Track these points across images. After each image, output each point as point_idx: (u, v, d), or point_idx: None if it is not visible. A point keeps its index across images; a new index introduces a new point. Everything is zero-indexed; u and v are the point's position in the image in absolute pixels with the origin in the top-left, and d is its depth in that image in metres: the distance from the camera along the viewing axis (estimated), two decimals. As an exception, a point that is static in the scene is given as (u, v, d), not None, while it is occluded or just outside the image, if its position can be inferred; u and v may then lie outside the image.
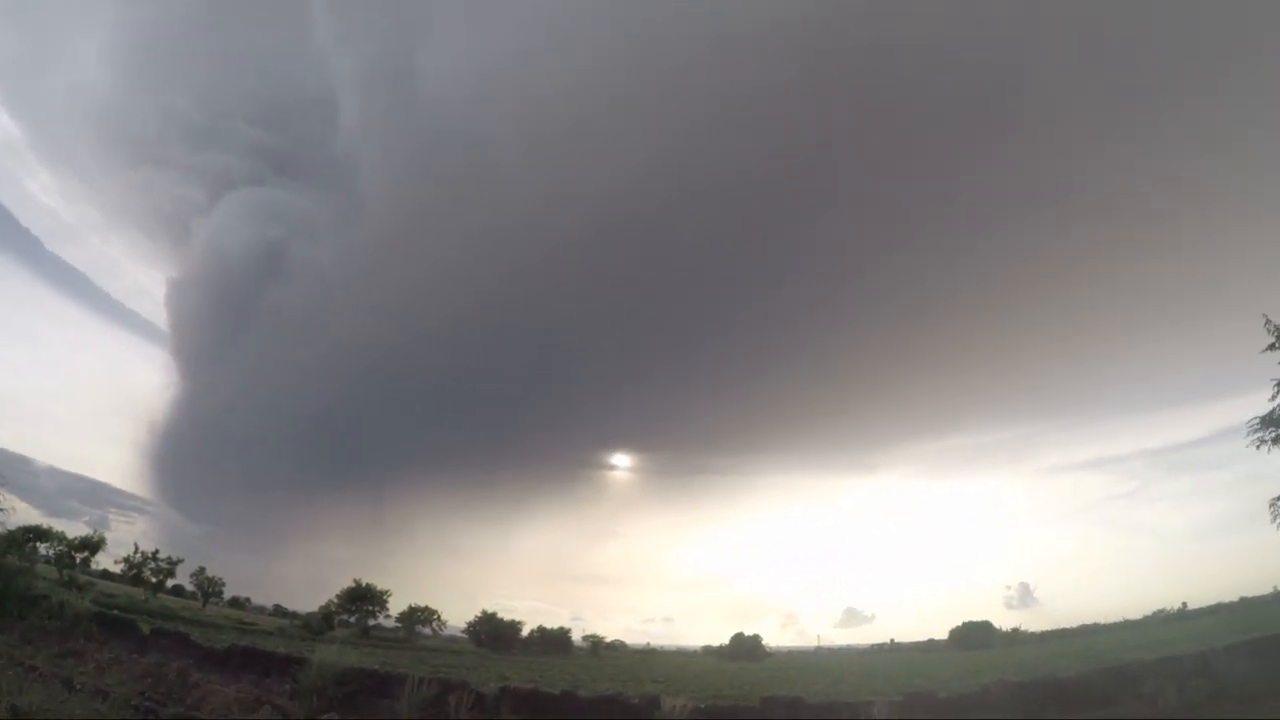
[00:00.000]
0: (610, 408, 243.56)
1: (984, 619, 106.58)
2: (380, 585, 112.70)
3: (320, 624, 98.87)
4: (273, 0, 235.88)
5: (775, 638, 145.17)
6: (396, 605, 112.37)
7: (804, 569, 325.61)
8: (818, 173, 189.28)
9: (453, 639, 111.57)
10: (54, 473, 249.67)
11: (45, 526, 78.99)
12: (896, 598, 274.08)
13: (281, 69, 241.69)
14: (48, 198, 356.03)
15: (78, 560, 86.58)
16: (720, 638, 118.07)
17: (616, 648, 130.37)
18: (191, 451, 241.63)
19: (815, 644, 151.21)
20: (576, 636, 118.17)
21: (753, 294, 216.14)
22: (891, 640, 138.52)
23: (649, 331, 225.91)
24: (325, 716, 21.73)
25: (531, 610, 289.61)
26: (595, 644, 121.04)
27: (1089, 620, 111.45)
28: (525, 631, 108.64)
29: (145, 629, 31.49)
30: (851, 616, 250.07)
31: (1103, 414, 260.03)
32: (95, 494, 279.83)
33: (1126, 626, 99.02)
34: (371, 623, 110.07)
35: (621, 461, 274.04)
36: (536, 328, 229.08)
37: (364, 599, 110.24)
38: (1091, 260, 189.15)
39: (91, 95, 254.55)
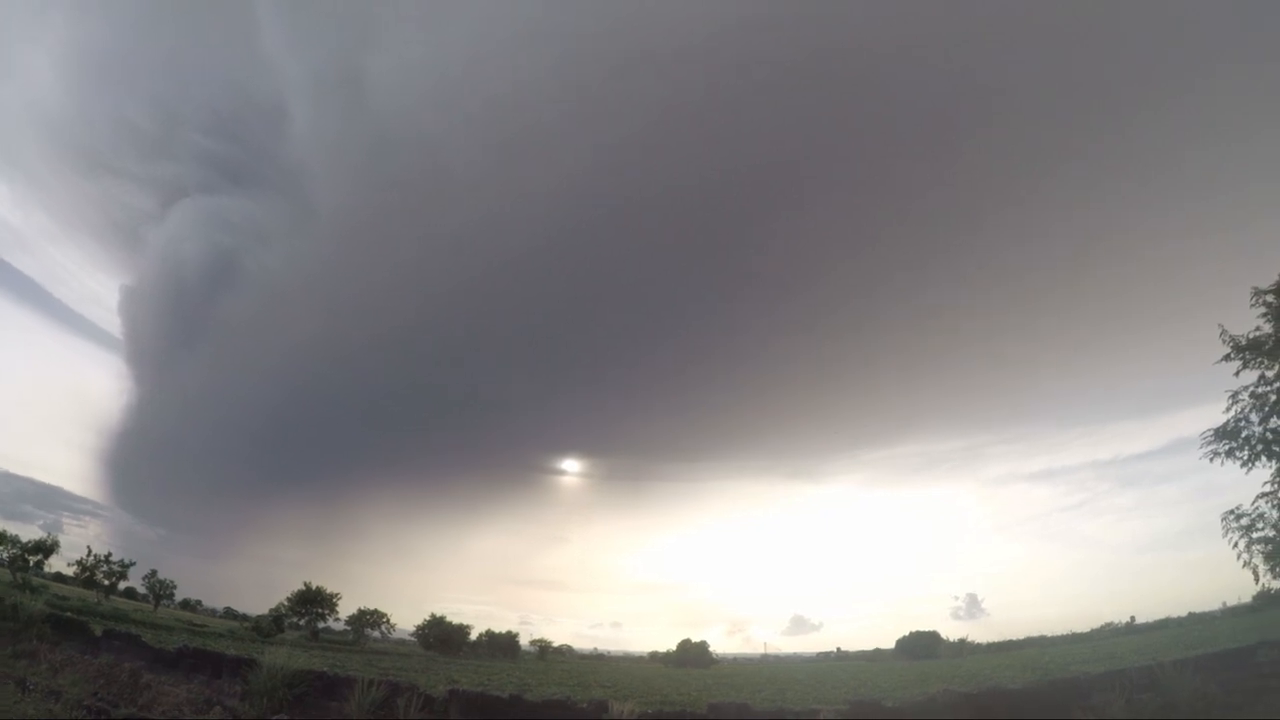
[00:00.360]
0: (561, 413, 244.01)
1: (931, 629, 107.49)
2: (330, 588, 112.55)
3: (270, 626, 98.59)
4: (221, 9, 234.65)
5: (722, 645, 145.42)
6: (346, 608, 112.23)
7: (752, 577, 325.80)
8: (770, 180, 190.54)
9: (401, 642, 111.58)
10: (7, 477, 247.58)
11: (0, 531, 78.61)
12: (844, 607, 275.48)
13: (232, 78, 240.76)
14: (1, 206, 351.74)
15: (31, 563, 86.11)
16: (668, 644, 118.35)
17: (564, 652, 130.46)
18: (145, 456, 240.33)
19: (762, 651, 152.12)
20: (524, 641, 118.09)
21: (703, 301, 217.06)
22: (838, 649, 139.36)
23: (600, 337, 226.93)
24: (276, 717, 22.19)
25: (480, 614, 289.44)
26: (543, 648, 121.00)
27: (1036, 632, 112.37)
28: (474, 635, 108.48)
29: (98, 630, 31.73)
30: (799, 625, 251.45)
31: (1052, 425, 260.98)
32: (48, 498, 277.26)
33: (1074, 639, 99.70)
34: (321, 625, 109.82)
35: (572, 466, 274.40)
36: (489, 333, 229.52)
37: (314, 602, 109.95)
38: (1042, 271, 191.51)
39: (44, 106, 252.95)
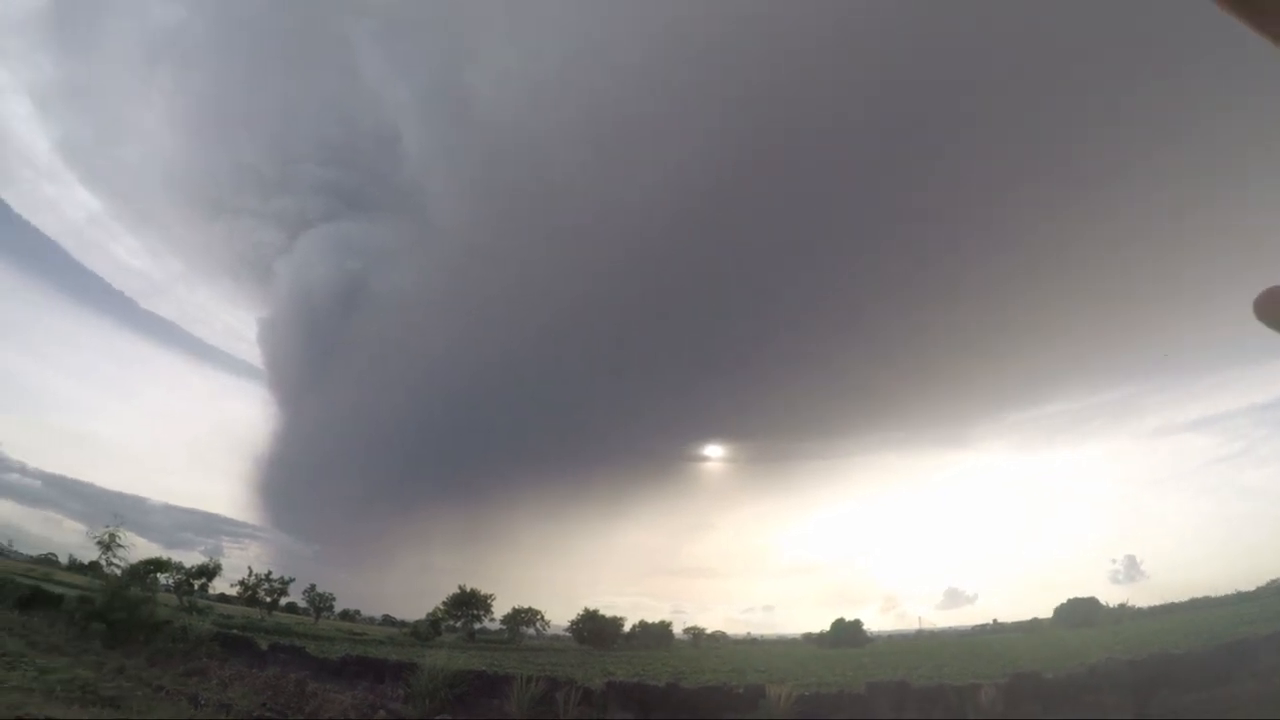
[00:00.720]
0: (699, 400, 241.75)
1: (1089, 595, 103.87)
2: (484, 590, 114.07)
3: (428, 630, 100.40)
4: (320, 47, 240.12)
5: (876, 622, 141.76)
6: (500, 608, 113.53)
7: (902, 550, 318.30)
8: (896, 147, 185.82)
9: (556, 638, 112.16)
10: (168, 509, 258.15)
11: (164, 558, 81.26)
12: (998, 576, 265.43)
13: (339, 110, 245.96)
14: (135, 260, 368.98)
15: (196, 587, 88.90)
16: (820, 624, 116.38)
17: (718, 639, 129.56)
18: (296, 477, 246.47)
19: (917, 627, 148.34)
20: (677, 629, 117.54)
21: (835, 273, 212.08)
22: (994, 620, 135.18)
23: (733, 319, 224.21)
24: (439, 718, 22.31)
25: (632, 606, 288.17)
26: (696, 636, 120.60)
27: (1200, 594, 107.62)
28: (627, 627, 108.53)
29: (263, 645, 32.47)
30: (953, 597, 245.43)
31: (1203, 369, 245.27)
32: (208, 525, 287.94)
33: (1240, 599, 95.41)
34: (477, 626, 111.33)
35: (714, 452, 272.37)
36: (620, 327, 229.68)
37: (469, 604, 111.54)
38: (1184, 204, 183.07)
39: (163, 160, 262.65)
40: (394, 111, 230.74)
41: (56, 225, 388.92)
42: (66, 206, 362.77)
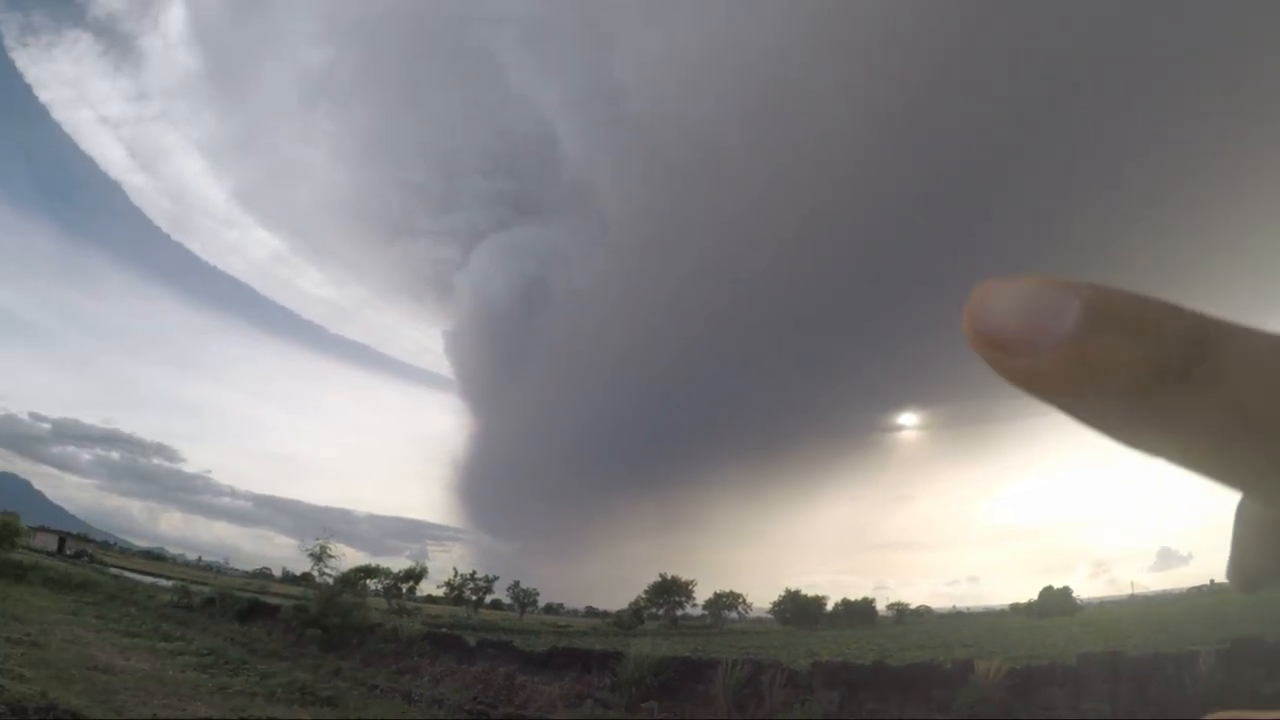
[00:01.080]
0: (890, 367, 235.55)
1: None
2: (684, 576, 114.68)
3: (631, 619, 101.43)
4: (464, 64, 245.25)
5: (1085, 589, 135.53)
6: (702, 593, 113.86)
7: (1110, 511, 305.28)
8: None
9: (759, 620, 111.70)
10: (373, 519, 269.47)
11: (372, 565, 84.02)
12: (1215, 533, 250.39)
13: (494, 121, 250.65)
14: (319, 290, 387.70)
15: (404, 590, 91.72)
16: (1028, 594, 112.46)
17: (922, 614, 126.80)
18: (493, 479, 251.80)
19: (1129, 592, 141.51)
20: (881, 606, 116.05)
21: (1020, 220, 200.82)
22: (1211, 581, 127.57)
23: (916, 282, 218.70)
24: (645, 705, 22.46)
25: (834, 584, 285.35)
26: (900, 612, 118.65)
27: None
28: (829, 606, 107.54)
29: (472, 641, 33.23)
30: (1166, 558, 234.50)
31: None
32: (412, 531, 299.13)
33: None
34: (679, 613, 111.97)
35: (909, 420, 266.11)
36: (802, 301, 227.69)
37: (670, 591, 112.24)
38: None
39: (333, 193, 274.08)
40: (547, 114, 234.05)
41: (242, 266, 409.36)
42: (249, 248, 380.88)
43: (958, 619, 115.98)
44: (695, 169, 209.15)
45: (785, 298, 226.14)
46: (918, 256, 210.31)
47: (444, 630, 41.08)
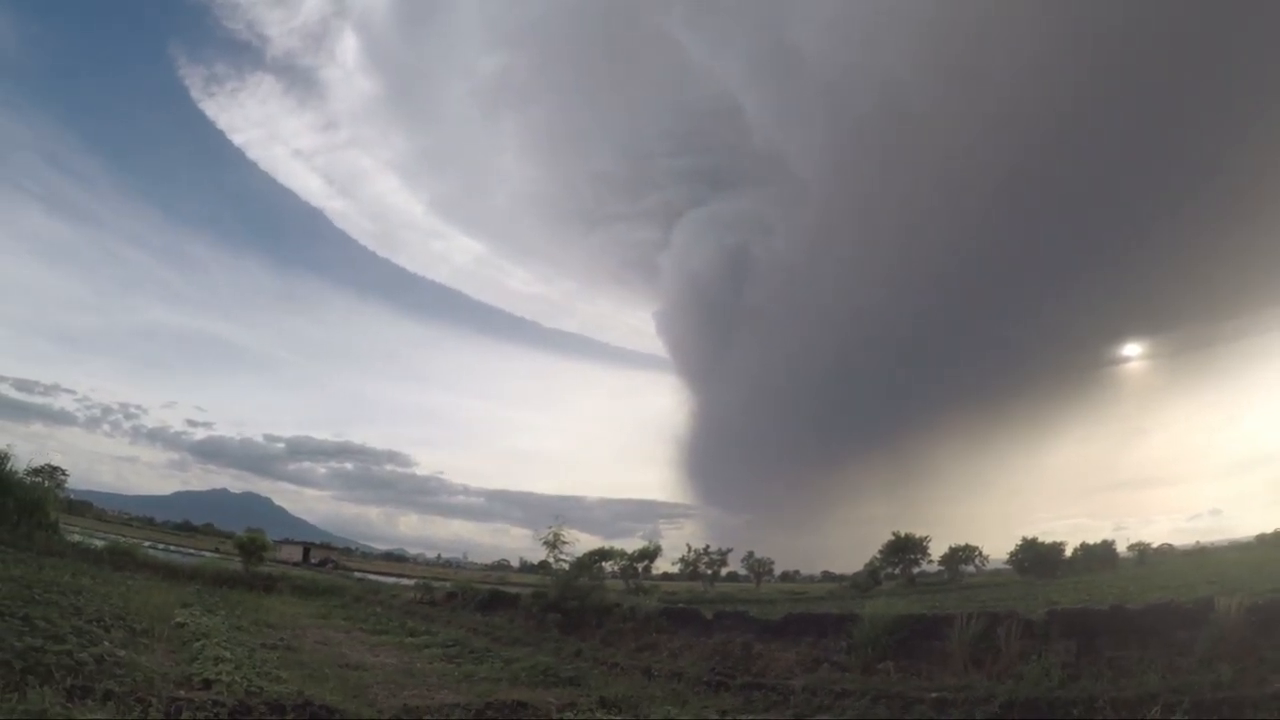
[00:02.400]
0: (1109, 298, 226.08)
1: None
2: (918, 533, 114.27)
3: (867, 581, 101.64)
4: (639, 48, 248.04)
5: None
6: (937, 549, 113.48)
7: None
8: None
9: (997, 572, 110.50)
10: (605, 503, 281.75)
11: (607, 548, 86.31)
12: None
13: (676, 100, 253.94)
14: (529, 288, 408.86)
15: (639, 570, 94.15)
16: (1275, 523, 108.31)
17: (1164, 552, 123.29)
18: (717, 454, 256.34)
19: None
20: (1121, 547, 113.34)
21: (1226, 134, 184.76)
22: None
23: (1121, 209, 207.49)
24: (880, 665, 22.75)
25: (1072, 528, 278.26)
26: (1141, 552, 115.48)
27: None
28: (1068, 552, 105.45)
29: (708, 614, 33.85)
30: None
31: None
32: (643, 511, 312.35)
33: None
34: (915, 570, 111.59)
35: (1133, 350, 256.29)
36: (1010, 239, 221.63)
37: (905, 549, 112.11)
38: None
39: (526, 195, 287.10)
40: (729, 86, 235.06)
41: (450, 274, 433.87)
42: (455, 255, 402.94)
43: (1201, 555, 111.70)
44: (885, 124, 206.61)
45: (992, 239, 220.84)
46: (1123, 184, 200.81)
47: (680, 605, 42.09)
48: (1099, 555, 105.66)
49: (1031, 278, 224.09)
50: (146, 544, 60.51)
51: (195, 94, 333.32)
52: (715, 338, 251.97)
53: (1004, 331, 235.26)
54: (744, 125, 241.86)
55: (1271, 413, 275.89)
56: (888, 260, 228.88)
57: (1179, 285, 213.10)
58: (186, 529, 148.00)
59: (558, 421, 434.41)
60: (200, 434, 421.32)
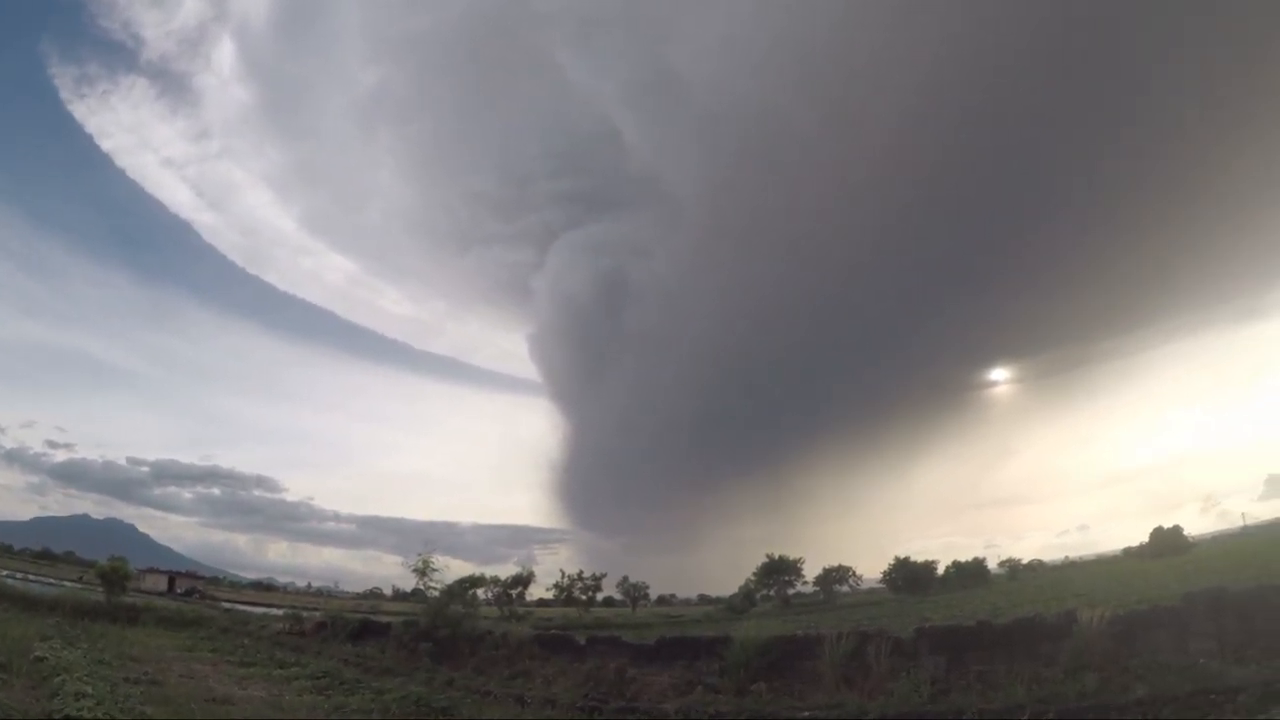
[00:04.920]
0: (973, 325, 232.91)
1: None
2: (793, 555, 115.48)
3: (742, 603, 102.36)
4: (519, 67, 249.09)
5: (1196, 525, 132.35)
6: (811, 570, 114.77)
7: (1213, 443, 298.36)
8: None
9: (871, 591, 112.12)
10: (479, 528, 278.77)
11: (478, 574, 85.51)
12: None
13: (556, 119, 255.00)
14: (399, 308, 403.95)
15: (513, 596, 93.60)
16: (1139, 536, 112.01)
17: (1035, 568, 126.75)
18: (591, 477, 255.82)
19: (1240, 524, 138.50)
20: (992, 564, 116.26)
21: (1107, 144, 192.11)
22: None
23: (991, 237, 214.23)
24: (753, 687, 22.71)
25: (944, 547, 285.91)
26: (1012, 569, 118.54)
27: None
28: (941, 569, 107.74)
29: (581, 640, 33.65)
30: (1274, 485, 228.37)
31: None
32: (517, 537, 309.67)
33: None
34: (791, 592, 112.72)
35: (1001, 375, 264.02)
36: (878, 272, 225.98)
37: (779, 571, 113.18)
38: None
39: (402, 213, 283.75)
40: (608, 108, 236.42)
41: (321, 293, 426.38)
42: (326, 274, 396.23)
43: (1071, 569, 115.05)
44: (763, 149, 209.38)
45: (864, 267, 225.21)
46: (992, 211, 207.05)
47: (553, 631, 41.83)
48: (971, 572, 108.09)
49: (904, 302, 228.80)
50: (3, 573, 58.10)
51: (65, 94, 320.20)
52: (589, 361, 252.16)
53: (876, 355, 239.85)
54: (623, 148, 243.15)
55: (1134, 431, 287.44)
56: (763, 285, 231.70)
57: (1045, 310, 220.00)
58: (46, 557, 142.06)
59: (431, 445, 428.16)
60: (61, 456, 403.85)
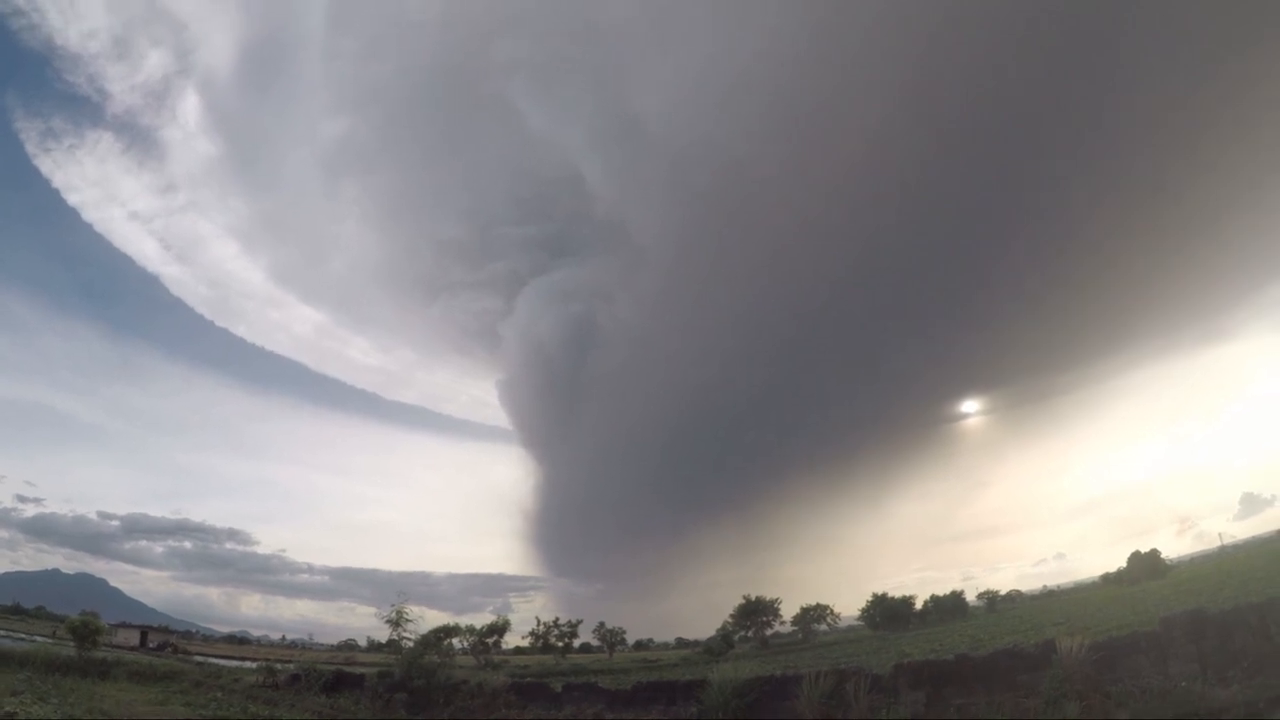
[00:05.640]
0: (941, 358, 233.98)
1: None
2: (770, 595, 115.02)
3: (720, 645, 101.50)
4: (481, 116, 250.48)
5: (1173, 548, 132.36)
6: (788, 610, 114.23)
7: (1186, 464, 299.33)
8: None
9: (850, 629, 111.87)
10: (452, 578, 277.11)
11: (453, 623, 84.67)
12: None
13: (520, 167, 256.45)
14: (368, 358, 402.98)
15: (489, 645, 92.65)
16: (1117, 562, 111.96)
17: (1013, 598, 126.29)
18: (565, 524, 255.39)
19: (1218, 544, 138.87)
20: (970, 596, 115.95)
21: (1064, 184, 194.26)
22: None
23: (957, 271, 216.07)
24: (730, 727, 22.43)
25: (921, 581, 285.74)
26: (991, 600, 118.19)
27: None
28: (919, 604, 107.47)
29: (557, 687, 33.35)
30: (1250, 504, 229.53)
31: None
32: (492, 585, 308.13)
33: None
34: (769, 632, 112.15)
35: (971, 407, 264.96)
36: (846, 309, 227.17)
37: (756, 612, 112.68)
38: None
39: (368, 262, 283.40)
40: (571, 153, 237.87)
41: (289, 343, 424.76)
42: (294, 325, 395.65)
43: (1049, 599, 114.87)
44: (726, 189, 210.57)
45: (831, 305, 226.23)
46: (957, 246, 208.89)
47: (529, 679, 41.33)
48: (949, 605, 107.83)
49: (872, 338, 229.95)
50: (-25, 629, 57.04)
51: (30, 149, 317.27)
52: (559, 407, 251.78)
53: (845, 392, 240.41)
54: (586, 193, 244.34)
55: (1106, 457, 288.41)
56: (730, 327, 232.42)
57: (1013, 340, 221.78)
58: (17, 612, 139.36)
59: (403, 495, 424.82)
60: (30, 510, 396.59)
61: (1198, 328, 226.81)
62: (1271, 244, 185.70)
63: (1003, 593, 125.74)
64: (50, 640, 64.26)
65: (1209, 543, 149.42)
